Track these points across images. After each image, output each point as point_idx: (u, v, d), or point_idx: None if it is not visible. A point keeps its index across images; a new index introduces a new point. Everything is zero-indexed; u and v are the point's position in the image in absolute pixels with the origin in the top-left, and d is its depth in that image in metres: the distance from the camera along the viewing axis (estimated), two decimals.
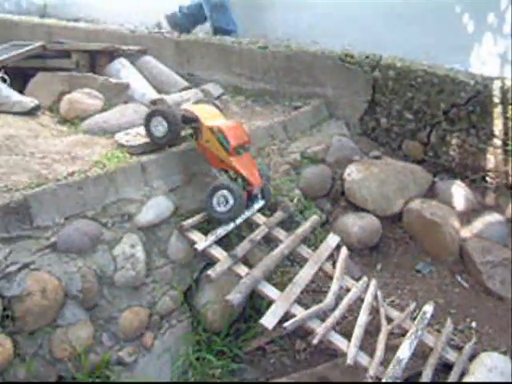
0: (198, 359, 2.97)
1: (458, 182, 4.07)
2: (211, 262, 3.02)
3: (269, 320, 2.79)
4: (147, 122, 3.17)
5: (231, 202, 3.06)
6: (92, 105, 3.72)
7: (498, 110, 3.88)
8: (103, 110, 3.74)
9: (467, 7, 4.61)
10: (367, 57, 4.31)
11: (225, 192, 3.07)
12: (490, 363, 2.93)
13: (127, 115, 3.62)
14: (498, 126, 3.91)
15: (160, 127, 3.15)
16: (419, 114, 4.17)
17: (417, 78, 4.10)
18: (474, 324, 3.35)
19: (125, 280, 2.80)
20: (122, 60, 4.48)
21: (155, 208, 3.03)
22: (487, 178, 4.08)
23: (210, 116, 3.29)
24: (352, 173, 3.95)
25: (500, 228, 3.82)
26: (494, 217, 3.89)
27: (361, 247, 3.78)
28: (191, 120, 3.25)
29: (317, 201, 3.88)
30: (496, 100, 3.86)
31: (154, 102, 3.81)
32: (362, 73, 4.29)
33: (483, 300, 3.50)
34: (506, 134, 3.88)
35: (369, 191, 3.87)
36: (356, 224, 3.77)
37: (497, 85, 3.85)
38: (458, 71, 4.01)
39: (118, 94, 3.95)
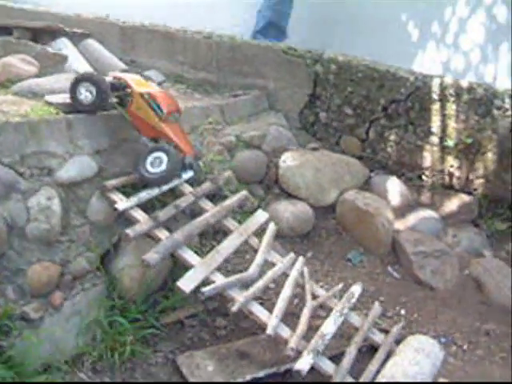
0: (110, 325, 2.73)
1: (394, 178, 4.01)
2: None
3: (186, 283, 2.63)
4: (74, 87, 2.98)
5: (165, 164, 2.91)
6: (26, 70, 3.50)
7: (436, 107, 3.88)
8: (37, 76, 3.53)
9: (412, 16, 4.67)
10: (310, 51, 4.27)
11: (161, 154, 2.93)
12: (416, 345, 2.81)
13: (61, 82, 3.39)
14: (435, 123, 3.90)
15: (88, 93, 2.96)
16: (358, 109, 4.13)
17: (358, 73, 4.08)
18: (403, 311, 3.25)
19: (37, 233, 2.57)
20: (64, 40, 4.33)
21: (78, 166, 2.84)
22: (423, 177, 4.03)
23: (139, 83, 3.15)
24: (287, 159, 3.85)
25: (434, 223, 3.79)
26: (428, 213, 3.85)
27: (292, 234, 3.66)
28: (119, 88, 3.10)
29: (249, 186, 3.74)
30: (435, 97, 3.85)
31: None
32: (304, 66, 4.25)
33: (413, 290, 3.42)
34: (443, 131, 3.88)
35: (303, 179, 3.77)
36: (287, 210, 3.66)
37: (436, 81, 3.85)
38: (398, 67, 4.00)
39: (55, 64, 3.77)
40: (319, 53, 4.23)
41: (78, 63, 4.10)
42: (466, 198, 3.92)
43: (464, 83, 3.81)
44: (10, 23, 4.25)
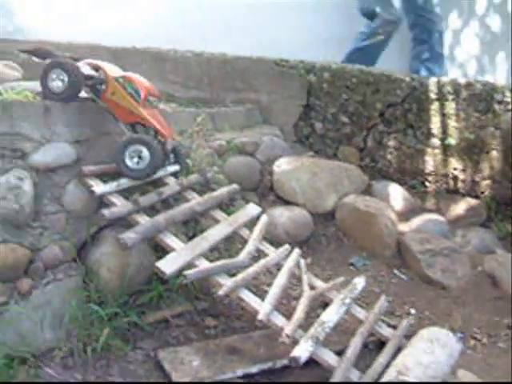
0: (84, 318, 2.45)
1: (396, 184, 3.79)
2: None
3: (167, 265, 2.39)
4: (44, 75, 2.79)
5: (148, 159, 2.70)
6: (10, 74, 3.40)
7: (434, 107, 3.72)
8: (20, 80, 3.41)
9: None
10: (302, 61, 4.16)
11: (140, 147, 2.72)
12: (430, 335, 2.50)
13: None
14: (435, 124, 3.74)
15: (59, 81, 2.80)
16: (355, 116, 3.98)
17: (352, 79, 3.95)
18: (413, 311, 2.97)
19: (5, 212, 2.35)
20: None
21: (54, 151, 2.65)
22: (426, 183, 3.82)
23: (114, 69, 3.01)
24: (282, 164, 3.66)
25: (440, 225, 3.56)
26: (433, 216, 3.62)
27: (289, 241, 3.36)
28: (92, 76, 2.94)
29: (243, 193, 3.51)
30: (432, 96, 3.70)
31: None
32: (297, 77, 4.12)
33: (423, 289, 3.15)
34: (444, 131, 3.70)
35: (299, 183, 3.57)
36: (284, 215, 3.43)
37: (433, 80, 3.71)
38: (393, 70, 3.88)
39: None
40: (312, 62, 4.11)
41: None
42: (472, 201, 3.70)
43: (462, 80, 3.66)
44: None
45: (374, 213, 3.39)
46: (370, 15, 4.84)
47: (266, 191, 3.66)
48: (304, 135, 4.18)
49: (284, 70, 4.17)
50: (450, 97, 3.66)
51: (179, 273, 2.41)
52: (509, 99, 3.51)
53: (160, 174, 2.91)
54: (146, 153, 2.71)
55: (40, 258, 2.46)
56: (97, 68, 2.91)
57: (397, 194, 3.72)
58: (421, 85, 3.75)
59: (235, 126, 3.95)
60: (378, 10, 4.74)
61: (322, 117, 4.09)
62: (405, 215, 3.63)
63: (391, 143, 3.88)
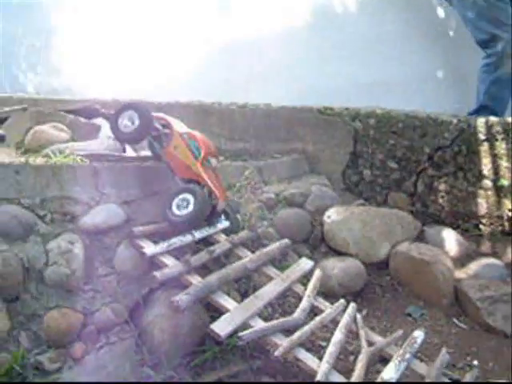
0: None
1: (450, 229, 3.72)
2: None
3: (221, 327, 2.37)
4: (115, 117, 2.94)
5: (192, 205, 2.75)
6: (57, 136, 3.50)
7: (484, 148, 3.66)
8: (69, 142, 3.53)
9: None
10: (347, 108, 4.17)
11: (187, 195, 2.79)
12: None
13: (93, 145, 3.40)
14: (486, 166, 3.67)
15: (129, 122, 2.90)
16: (403, 161, 3.95)
17: (398, 123, 3.93)
18: (475, 362, 2.85)
19: (57, 277, 2.42)
20: (100, 119, 4.38)
21: (104, 213, 2.73)
22: (480, 226, 3.73)
23: (178, 124, 3.10)
24: (332, 215, 3.64)
25: (498, 269, 3.43)
26: (490, 260, 3.51)
27: (343, 292, 3.33)
28: (158, 128, 3.04)
29: (294, 245, 3.49)
30: (481, 137, 3.65)
31: None
32: (342, 124, 4.13)
33: (484, 339, 3.02)
34: (495, 173, 3.62)
35: (350, 233, 3.53)
36: (336, 266, 3.38)
37: (481, 121, 3.66)
38: (439, 113, 3.85)
39: (88, 133, 3.78)
40: (356, 109, 4.12)
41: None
42: None
43: (510, 119, 3.60)
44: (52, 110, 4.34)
45: (428, 260, 3.32)
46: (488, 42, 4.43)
47: (318, 242, 3.63)
48: (353, 183, 4.16)
49: (328, 118, 4.19)
50: (500, 136, 3.60)
51: (234, 333, 2.40)
52: None
53: (210, 231, 2.93)
54: (191, 200, 2.75)
55: (93, 321, 2.49)
56: (164, 123, 2.99)
57: (451, 239, 3.64)
58: (469, 126, 3.71)
59: (282, 178, 3.97)
60: (494, 30, 4.35)
61: (370, 163, 4.07)
62: (460, 260, 3.54)
63: (442, 187, 3.83)
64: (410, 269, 3.41)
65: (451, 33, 5.02)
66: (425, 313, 3.26)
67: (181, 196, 2.78)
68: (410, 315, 3.25)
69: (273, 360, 2.71)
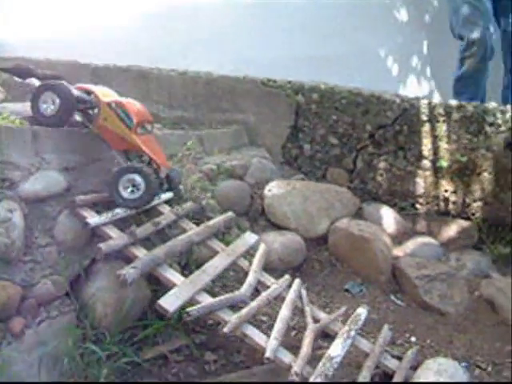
0: (81, 356, 2.33)
1: (387, 207, 3.76)
2: None
3: (169, 302, 2.28)
4: (35, 97, 2.73)
5: (142, 188, 2.61)
6: None
7: (426, 129, 3.70)
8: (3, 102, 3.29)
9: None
10: (289, 81, 4.10)
11: (135, 176, 2.62)
12: (437, 367, 2.45)
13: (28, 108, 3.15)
14: (426, 146, 3.71)
15: (50, 104, 2.71)
16: (344, 138, 3.93)
17: (342, 100, 3.91)
18: (413, 339, 2.90)
19: None
20: (34, 80, 4.11)
21: (44, 180, 2.56)
22: (417, 205, 3.79)
23: (107, 94, 2.91)
24: (273, 188, 3.59)
25: (434, 248, 3.52)
26: (426, 239, 3.59)
27: (283, 267, 3.30)
28: (85, 100, 2.85)
29: (234, 219, 3.42)
30: (424, 118, 3.68)
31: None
32: (285, 97, 4.06)
33: (422, 316, 3.09)
34: (435, 153, 3.68)
35: (291, 208, 3.49)
36: (277, 241, 3.34)
37: (424, 102, 3.69)
38: (383, 91, 3.85)
39: (23, 94, 3.52)
40: (300, 83, 4.06)
41: None
42: (464, 223, 3.68)
43: (453, 102, 3.65)
44: None
45: (368, 237, 3.34)
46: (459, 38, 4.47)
47: (257, 216, 3.58)
48: (292, 157, 4.11)
49: (271, 91, 4.10)
50: (442, 118, 3.64)
51: (182, 309, 2.32)
52: (500, 121, 3.50)
53: (154, 202, 2.81)
54: (140, 181, 2.62)
55: (32, 294, 2.33)
56: (88, 92, 2.81)
57: (388, 217, 3.68)
58: (411, 106, 3.73)
59: (223, 148, 3.87)
60: (459, 31, 4.41)
61: (311, 138, 4.03)
62: (397, 238, 3.60)
63: (381, 165, 3.85)
64: (349, 245, 3.42)
65: (395, 11, 5.03)
66: (363, 289, 3.28)
67: (125, 177, 2.62)
68: (348, 291, 3.27)
69: (216, 335, 2.66)
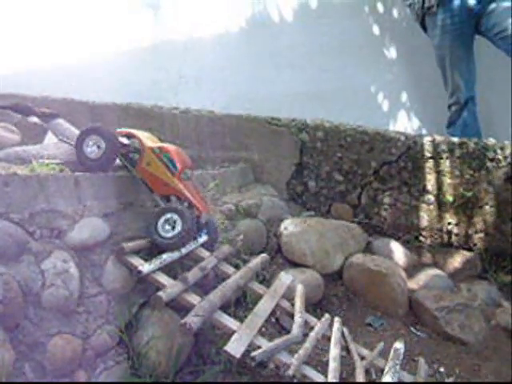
0: None
1: (394, 241, 3.91)
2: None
3: (234, 347, 2.32)
4: (80, 141, 2.76)
5: (179, 226, 2.65)
6: (9, 138, 3.23)
7: (429, 165, 3.88)
8: (21, 145, 3.26)
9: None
10: (294, 120, 4.23)
11: (173, 215, 2.67)
12: None
13: (50, 149, 3.15)
14: (430, 181, 3.89)
15: (95, 147, 2.74)
16: (349, 174, 4.08)
17: (346, 138, 4.06)
18: (442, 369, 3.03)
19: (55, 300, 2.22)
20: (34, 118, 4.08)
21: (89, 228, 2.54)
22: (421, 238, 3.96)
23: (149, 138, 2.96)
24: (289, 226, 3.68)
25: (445, 280, 3.67)
26: (435, 271, 3.75)
27: (305, 304, 3.39)
28: (127, 144, 2.90)
29: (253, 257, 3.49)
30: (427, 154, 3.86)
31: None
32: (289, 135, 4.18)
33: (444, 346, 3.22)
34: (439, 188, 3.86)
35: (308, 245, 3.59)
36: (297, 278, 3.40)
37: (427, 139, 3.87)
38: (387, 129, 4.02)
39: (36, 135, 3.51)
40: (304, 121, 4.19)
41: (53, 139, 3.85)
42: (467, 254, 3.86)
43: (455, 139, 3.85)
44: None
45: (385, 272, 3.47)
46: None
47: (273, 253, 3.66)
48: (297, 193, 4.23)
49: (275, 129, 4.21)
50: (445, 155, 3.83)
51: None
52: (500, 156, 3.71)
53: (193, 246, 2.85)
54: (176, 218, 2.67)
55: (90, 346, 2.34)
56: (129, 136, 2.85)
57: (397, 251, 3.83)
58: (415, 143, 3.91)
59: (233, 187, 3.94)
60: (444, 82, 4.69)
61: (315, 175, 4.16)
62: (407, 271, 3.74)
63: (386, 200, 4.01)
64: (365, 280, 3.53)
65: (385, 49, 5.24)
66: (383, 323, 3.39)
67: (166, 216, 2.67)
68: (370, 325, 3.37)
69: (258, 377, 2.71)
